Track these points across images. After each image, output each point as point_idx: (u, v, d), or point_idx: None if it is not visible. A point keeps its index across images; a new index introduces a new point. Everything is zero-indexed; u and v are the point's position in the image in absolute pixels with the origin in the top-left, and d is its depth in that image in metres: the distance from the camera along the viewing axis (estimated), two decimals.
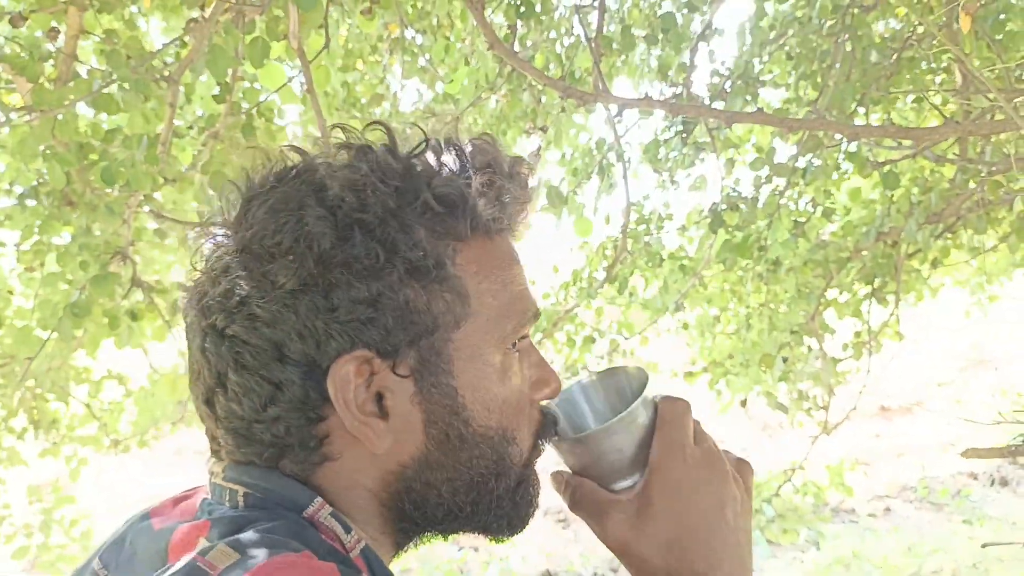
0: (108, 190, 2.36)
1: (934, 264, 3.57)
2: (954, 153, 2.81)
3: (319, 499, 0.61)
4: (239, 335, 0.61)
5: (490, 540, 0.73)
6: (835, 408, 3.72)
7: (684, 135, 3.04)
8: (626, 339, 3.32)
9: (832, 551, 5.18)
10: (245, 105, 2.06)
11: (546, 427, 0.73)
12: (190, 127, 2.47)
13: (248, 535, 0.55)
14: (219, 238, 0.64)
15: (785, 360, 3.08)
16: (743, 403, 3.42)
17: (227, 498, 0.62)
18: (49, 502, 4.00)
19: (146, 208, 2.60)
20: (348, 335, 0.59)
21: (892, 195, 3.18)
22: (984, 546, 1.78)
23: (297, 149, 0.65)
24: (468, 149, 0.66)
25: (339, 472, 0.63)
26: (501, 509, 0.68)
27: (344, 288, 0.58)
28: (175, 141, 2.58)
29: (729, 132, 3.18)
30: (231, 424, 0.64)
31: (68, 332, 2.08)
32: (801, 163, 3.15)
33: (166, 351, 3.61)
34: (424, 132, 0.66)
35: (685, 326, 3.79)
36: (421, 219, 0.61)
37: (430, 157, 0.65)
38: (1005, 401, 7.10)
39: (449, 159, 0.65)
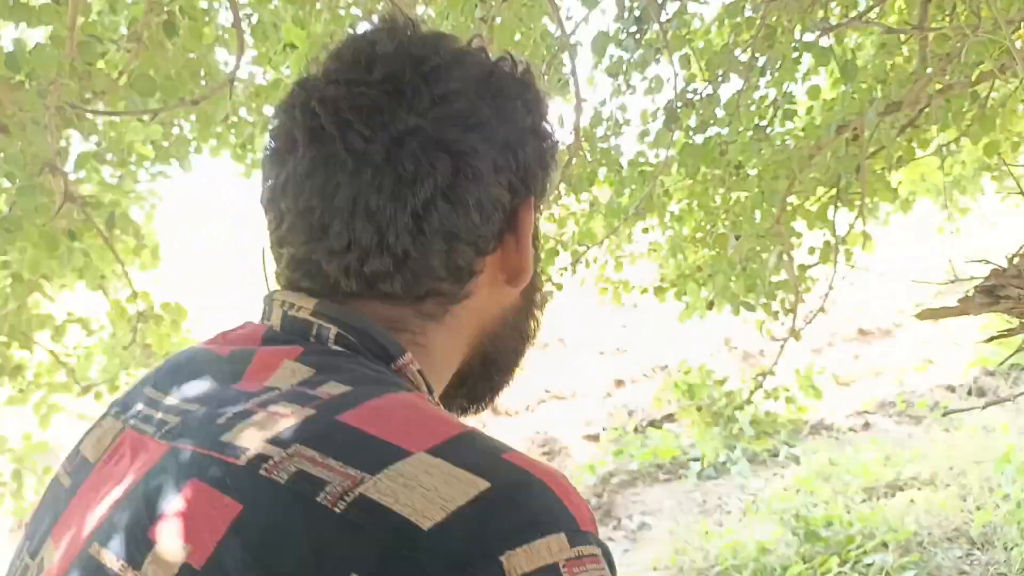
0: (36, 105, 2.28)
1: (898, 163, 3.52)
2: (907, 23, 2.75)
3: (409, 354, 0.62)
4: (470, 149, 0.62)
5: (475, 413, 0.78)
6: (814, 327, 3.71)
7: (638, 34, 2.96)
8: (587, 248, 3.28)
9: (812, 465, 5.24)
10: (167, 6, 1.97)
11: None
12: (115, 42, 2.38)
13: (355, 372, 0.56)
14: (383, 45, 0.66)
15: (738, 245, 3.04)
16: (709, 306, 3.41)
17: (314, 333, 0.62)
18: (20, 451, 3.97)
19: (77, 133, 2.52)
20: (538, 179, 0.68)
21: (852, 90, 3.12)
22: (944, 415, 1.76)
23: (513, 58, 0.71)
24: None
25: (471, 311, 0.67)
26: (506, 376, 0.76)
27: (549, 142, 0.69)
28: (107, 56, 2.49)
29: (682, 31, 3.10)
30: (397, 241, 0.63)
31: (1, 249, 2.01)
32: (760, 62, 3.09)
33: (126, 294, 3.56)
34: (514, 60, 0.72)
35: (646, 231, 3.75)
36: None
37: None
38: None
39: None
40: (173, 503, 0.49)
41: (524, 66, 0.70)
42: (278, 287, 0.68)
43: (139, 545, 0.49)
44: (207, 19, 2.15)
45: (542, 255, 0.79)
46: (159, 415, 0.59)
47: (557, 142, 0.72)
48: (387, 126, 0.60)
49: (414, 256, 0.61)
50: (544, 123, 0.69)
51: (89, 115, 2.14)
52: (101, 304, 3.84)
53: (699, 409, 3.72)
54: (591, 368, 8.72)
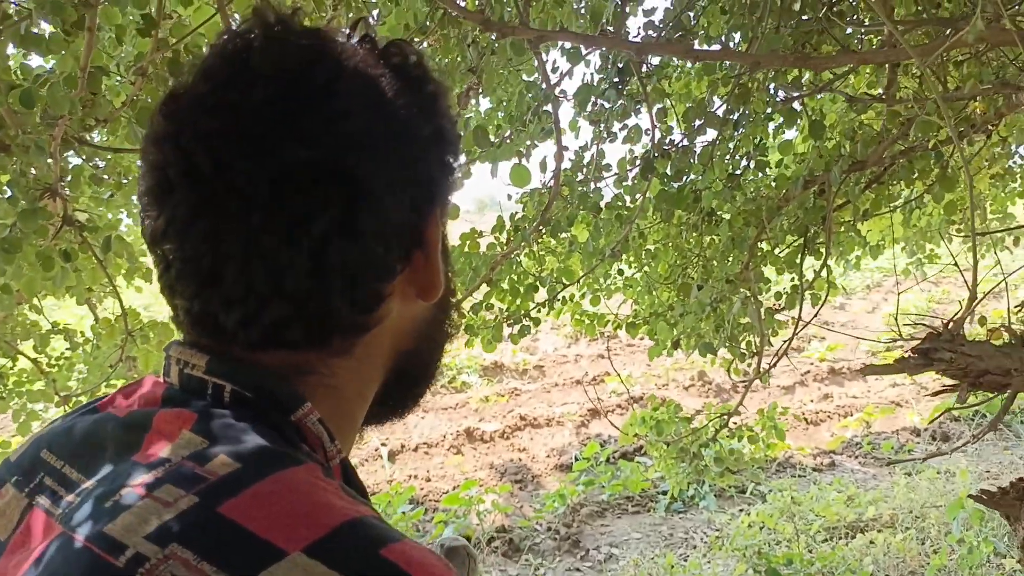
0: (39, 129, 2.38)
1: (864, 217, 3.68)
2: (866, 94, 2.91)
3: (308, 403, 0.60)
4: (365, 175, 0.59)
5: (396, 421, 0.76)
6: (786, 366, 3.82)
7: (619, 86, 3.10)
8: (565, 286, 3.40)
9: (777, 502, 5.35)
10: (172, 40, 2.08)
11: None
12: (119, 68, 2.48)
13: (246, 443, 0.53)
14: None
15: (701, 294, 3.17)
16: (675, 345, 3.53)
17: (209, 391, 0.59)
18: None
19: (78, 155, 2.62)
20: (442, 189, 0.66)
21: (818, 145, 3.28)
22: (889, 464, 1.86)
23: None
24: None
25: (384, 331, 0.65)
26: (426, 383, 0.75)
27: (451, 143, 0.66)
28: (109, 84, 2.59)
29: (662, 84, 3.25)
30: (242, 300, 0.59)
31: (0, 270, 2.10)
32: (734, 116, 3.24)
33: (115, 307, 3.64)
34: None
35: (621, 274, 3.88)
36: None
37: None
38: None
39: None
40: None
41: (415, 58, 0.65)
42: (177, 338, 0.65)
43: None
44: None
45: (455, 266, 0.81)
46: (59, 490, 0.57)
47: (459, 136, 0.68)
48: (271, 159, 0.54)
49: (315, 299, 0.58)
50: (444, 122, 0.65)
51: (91, 147, 2.23)
52: (82, 312, 3.90)
53: (667, 445, 3.83)
54: (567, 397, 8.82)
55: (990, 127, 2.94)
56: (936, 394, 2.26)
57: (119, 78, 2.45)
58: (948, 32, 1.62)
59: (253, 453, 0.53)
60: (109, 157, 2.90)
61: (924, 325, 1.78)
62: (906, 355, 1.74)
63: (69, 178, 2.61)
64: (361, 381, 0.65)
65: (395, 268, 0.62)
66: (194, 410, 0.57)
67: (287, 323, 0.58)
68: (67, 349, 3.71)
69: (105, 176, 2.69)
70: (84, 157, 2.45)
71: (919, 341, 1.71)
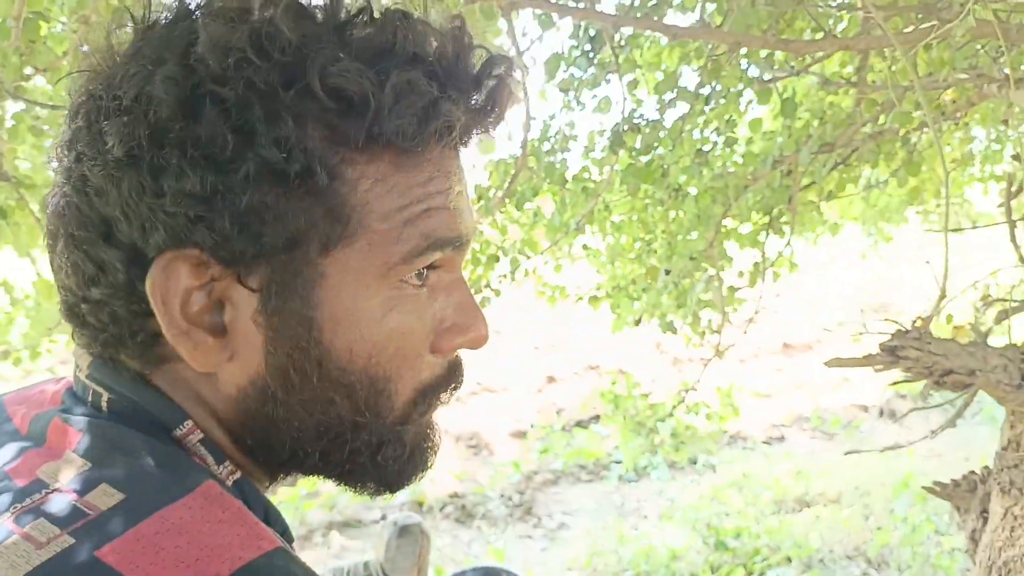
0: None
1: (829, 197, 3.67)
2: (844, 78, 2.88)
3: (190, 422, 0.54)
4: (71, 198, 0.52)
5: (362, 494, 0.63)
6: (741, 340, 3.83)
7: (591, 54, 3.02)
8: (528, 258, 3.34)
9: (727, 474, 5.43)
10: None
11: (447, 381, 0.62)
12: (63, 11, 2.33)
13: (130, 468, 0.48)
14: (87, 72, 0.53)
15: (669, 277, 3.15)
16: (636, 322, 3.51)
17: (90, 397, 0.55)
18: None
19: (15, 104, 2.46)
20: (174, 229, 0.49)
21: (790, 125, 3.25)
22: (846, 454, 1.90)
23: None
24: (412, 31, 0.53)
25: (179, 380, 0.55)
26: (358, 465, 0.59)
27: (174, 173, 0.48)
28: (53, 34, 2.44)
29: (634, 54, 3.17)
30: (63, 297, 0.56)
31: None
32: (705, 91, 3.19)
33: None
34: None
35: (586, 248, 3.83)
36: (303, 111, 0.50)
37: (360, 33, 0.52)
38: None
39: (377, 39, 0.52)
40: None
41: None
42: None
43: None
44: None
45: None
46: None
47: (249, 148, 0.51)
48: None
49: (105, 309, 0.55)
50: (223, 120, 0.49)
51: (28, 101, 2.09)
52: (21, 267, 3.74)
53: (624, 419, 3.84)
54: (525, 362, 8.82)
55: (958, 115, 2.93)
56: (895, 383, 2.26)
57: (61, 24, 2.30)
58: (933, 24, 1.57)
59: (137, 481, 0.47)
60: (53, 110, 2.74)
61: (892, 321, 1.76)
62: (873, 352, 1.73)
63: (9, 127, 2.46)
64: (214, 388, 0.55)
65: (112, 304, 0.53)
66: (77, 427, 0.52)
67: (102, 330, 0.54)
68: (8, 305, 3.55)
69: (46, 127, 2.54)
70: (27, 107, 2.30)
71: (888, 338, 1.69)
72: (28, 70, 2.32)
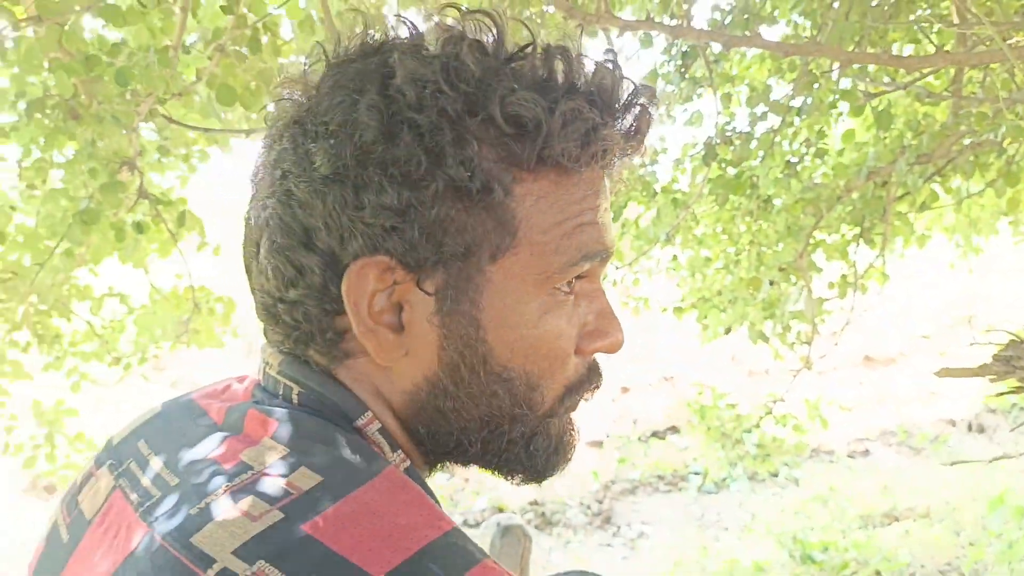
0: (115, 101, 2.41)
1: (922, 208, 3.63)
2: (947, 91, 2.86)
3: (370, 412, 0.61)
4: (276, 210, 0.59)
5: (512, 483, 0.70)
6: (822, 354, 3.81)
7: (683, 69, 3.08)
8: (617, 268, 3.40)
9: (810, 488, 5.36)
10: (252, 18, 2.09)
11: (588, 381, 0.68)
12: (193, 44, 2.50)
13: (325, 454, 0.54)
14: (287, 101, 0.62)
15: (772, 283, 3.16)
16: (727, 331, 3.53)
17: (281, 391, 0.62)
18: (52, 415, 4.12)
19: (150, 124, 2.65)
20: (370, 238, 0.57)
21: (885, 136, 3.23)
22: (950, 464, 1.89)
23: (405, 21, 0.61)
24: (575, 67, 0.59)
25: (361, 375, 0.62)
26: (513, 454, 0.66)
27: (375, 189, 0.55)
28: (181, 57, 2.61)
29: (726, 68, 3.22)
30: (260, 299, 0.64)
31: (76, 239, 2.15)
32: (797, 103, 3.20)
33: (166, 271, 3.69)
34: (533, 35, 0.59)
35: (674, 259, 3.87)
36: (484, 135, 0.57)
37: (528, 66, 0.59)
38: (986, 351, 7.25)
39: (544, 72, 0.59)
40: None
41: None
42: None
43: None
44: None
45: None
46: (145, 481, 0.58)
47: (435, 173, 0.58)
48: None
49: (300, 308, 0.62)
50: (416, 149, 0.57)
51: (176, 123, 2.26)
52: (131, 275, 3.96)
53: (708, 429, 3.84)
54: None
55: None
56: (1001, 395, 2.25)
57: (193, 50, 2.47)
58: None
59: (332, 466, 0.53)
60: (176, 128, 2.92)
61: (1004, 331, 1.77)
62: (988, 361, 1.74)
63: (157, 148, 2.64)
64: (391, 383, 0.63)
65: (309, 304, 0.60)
66: (274, 416, 0.58)
67: (295, 328, 0.61)
68: (125, 314, 3.77)
69: (174, 149, 2.72)
70: (157, 131, 2.47)
71: (1002, 347, 1.70)
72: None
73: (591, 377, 0.68)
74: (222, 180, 4.62)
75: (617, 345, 0.68)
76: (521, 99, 0.56)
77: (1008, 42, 2.46)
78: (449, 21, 0.60)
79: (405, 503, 0.52)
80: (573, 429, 0.71)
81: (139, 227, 2.36)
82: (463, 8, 0.60)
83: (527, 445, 0.66)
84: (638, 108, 0.63)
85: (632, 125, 0.63)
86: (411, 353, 0.61)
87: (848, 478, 5.56)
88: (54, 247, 2.33)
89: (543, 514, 5.56)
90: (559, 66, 0.59)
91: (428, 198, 0.56)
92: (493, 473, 0.69)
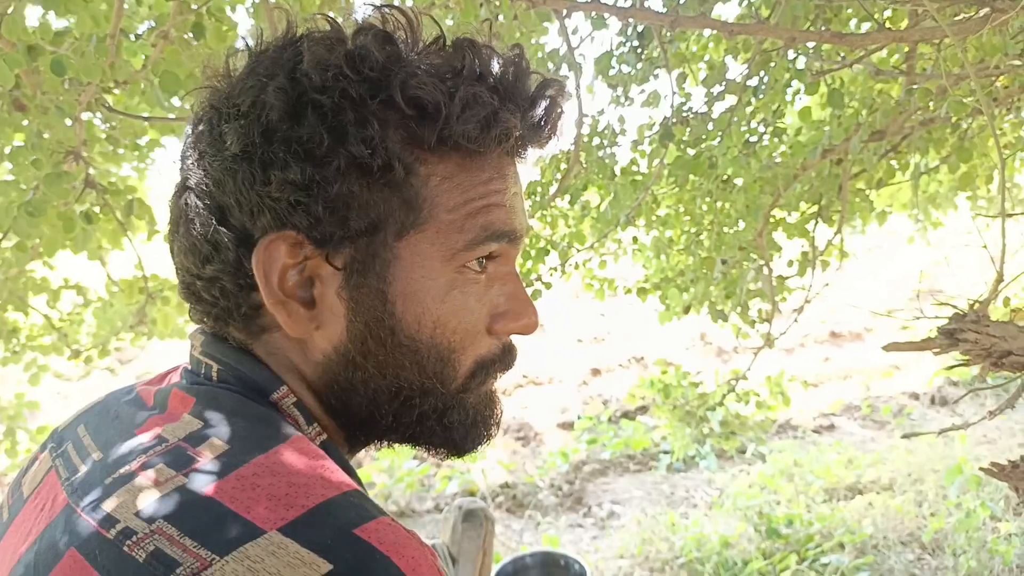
0: (59, 91, 2.36)
1: (878, 185, 3.68)
2: (896, 67, 2.89)
3: (285, 386, 0.63)
4: (193, 189, 0.63)
5: (437, 457, 0.73)
6: (782, 331, 3.86)
7: (639, 50, 3.07)
8: (578, 251, 3.41)
9: (777, 463, 5.43)
10: (195, 4, 2.05)
11: (500, 360, 0.71)
12: (139, 33, 2.45)
13: (235, 425, 0.57)
14: (208, 88, 0.66)
15: (724, 267, 3.19)
16: (685, 310, 3.56)
17: (202, 370, 0.65)
18: (13, 410, 4.06)
19: (97, 114, 2.60)
20: (278, 213, 0.59)
21: (839, 114, 3.26)
22: (903, 437, 1.92)
23: (327, 19, 0.64)
24: (479, 55, 0.63)
25: (277, 349, 0.65)
26: (427, 427, 0.68)
27: (280, 165, 0.58)
28: (126, 44, 2.56)
29: (682, 47, 3.22)
30: (181, 277, 0.67)
31: (24, 232, 2.10)
32: (753, 82, 3.22)
33: (126, 263, 3.64)
34: (442, 29, 0.64)
35: (635, 241, 3.88)
36: (387, 117, 0.60)
37: (435, 56, 0.62)
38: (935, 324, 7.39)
39: (449, 61, 0.62)
40: (54, 571, 0.51)
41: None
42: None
43: None
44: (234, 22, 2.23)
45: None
46: (76, 459, 0.61)
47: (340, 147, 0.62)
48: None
49: (216, 283, 0.66)
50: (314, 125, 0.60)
51: (121, 114, 2.22)
52: (89, 267, 3.91)
53: (673, 408, 3.88)
54: (569, 355, 8.89)
55: (1011, 100, 2.92)
56: (951, 368, 2.29)
57: (133, 38, 2.42)
58: (987, 13, 1.60)
59: (239, 435, 0.56)
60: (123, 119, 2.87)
61: (949, 304, 1.80)
62: (931, 334, 1.77)
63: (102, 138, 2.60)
64: (304, 354, 0.65)
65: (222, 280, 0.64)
66: (193, 393, 0.62)
67: (213, 304, 0.65)
68: (80, 305, 3.72)
69: (122, 139, 2.67)
70: (103, 120, 2.43)
71: (945, 321, 1.73)
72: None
73: (504, 357, 0.71)
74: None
75: (530, 327, 0.71)
76: (421, 83, 0.59)
77: (957, 18, 2.49)
78: (373, 20, 0.64)
79: (307, 465, 0.54)
80: (495, 405, 0.74)
81: (87, 217, 2.32)
82: (382, 6, 0.64)
83: (440, 419, 0.68)
84: (547, 100, 0.66)
85: (542, 117, 0.67)
86: (322, 326, 0.63)
87: (814, 453, 5.65)
88: (0, 239, 2.28)
89: (515, 496, 5.59)
90: (466, 57, 0.62)
91: (331, 174, 0.59)
92: (413, 447, 0.72)
